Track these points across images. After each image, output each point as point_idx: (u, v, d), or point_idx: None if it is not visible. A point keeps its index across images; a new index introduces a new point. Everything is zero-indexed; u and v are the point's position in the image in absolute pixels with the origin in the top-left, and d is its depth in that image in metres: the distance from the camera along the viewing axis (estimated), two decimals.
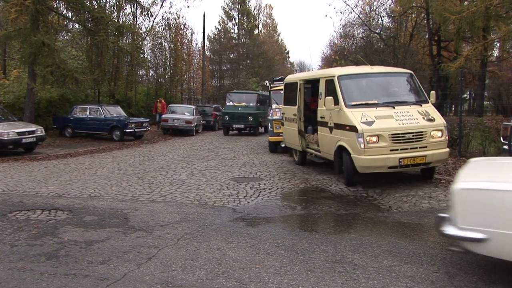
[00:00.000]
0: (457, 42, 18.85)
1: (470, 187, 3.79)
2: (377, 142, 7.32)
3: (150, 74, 30.64)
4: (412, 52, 24.64)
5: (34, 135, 13.37)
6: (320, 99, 8.92)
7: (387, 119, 7.50)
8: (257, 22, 48.73)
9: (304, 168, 10.32)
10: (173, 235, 5.21)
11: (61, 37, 22.57)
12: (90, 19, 17.66)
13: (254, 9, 48.28)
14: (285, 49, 60.10)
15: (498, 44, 21.89)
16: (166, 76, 30.96)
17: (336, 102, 8.01)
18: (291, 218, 6.30)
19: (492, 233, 3.49)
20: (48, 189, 8.20)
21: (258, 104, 20.16)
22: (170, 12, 42.33)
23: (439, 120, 7.83)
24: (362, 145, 7.30)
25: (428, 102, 8.21)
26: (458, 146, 10.52)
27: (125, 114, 18.92)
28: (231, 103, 20.10)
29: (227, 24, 46.75)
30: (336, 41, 38.38)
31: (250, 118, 19.50)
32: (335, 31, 66.24)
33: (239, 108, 19.70)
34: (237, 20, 46.57)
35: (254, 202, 7.07)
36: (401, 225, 5.67)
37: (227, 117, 19.88)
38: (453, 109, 28.70)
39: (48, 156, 12.81)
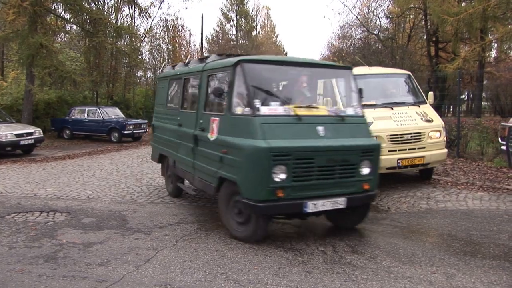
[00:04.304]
0: (455, 43, 18.90)
1: None
2: None
3: (148, 75, 30.65)
4: (410, 53, 24.73)
5: (32, 137, 13.34)
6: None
7: (385, 120, 7.52)
8: (255, 23, 48.81)
9: None
10: (172, 237, 5.20)
11: (59, 38, 22.59)
12: (88, 21, 17.67)
13: (252, 11, 48.41)
14: (283, 50, 60.05)
15: (495, 45, 21.99)
16: None
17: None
18: (289, 219, 6.28)
19: None
20: (46, 191, 8.19)
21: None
22: (168, 13, 42.35)
23: (437, 121, 7.84)
24: None
25: (426, 103, 8.23)
26: (456, 147, 10.54)
27: (123, 116, 18.89)
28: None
29: (225, 25, 46.83)
30: (334, 42, 38.43)
31: None
32: (333, 32, 66.49)
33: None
34: (235, 22, 46.63)
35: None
36: (400, 226, 5.67)
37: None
38: (451, 110, 28.79)
39: (46, 158, 12.79)
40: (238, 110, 4.90)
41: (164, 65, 32.26)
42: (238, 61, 4.94)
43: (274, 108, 4.80)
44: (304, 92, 5.64)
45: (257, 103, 4.70)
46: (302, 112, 4.88)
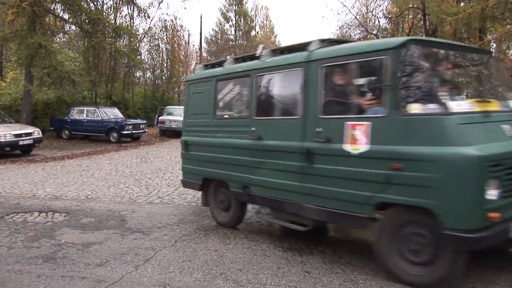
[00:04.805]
0: None
1: None
2: None
3: (147, 75, 30.68)
4: None
5: (31, 137, 13.34)
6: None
7: None
8: (254, 23, 48.84)
9: None
10: (171, 237, 5.20)
11: (58, 39, 22.57)
12: (87, 21, 17.69)
13: (251, 11, 48.44)
14: None
15: (494, 45, 22.02)
16: (163, 77, 30.99)
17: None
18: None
19: None
20: (45, 191, 8.19)
21: None
22: (167, 13, 42.44)
23: None
24: None
25: None
26: None
27: (122, 116, 18.91)
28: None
29: (224, 25, 46.82)
30: None
31: None
32: (332, 33, 66.36)
33: None
34: (234, 22, 46.64)
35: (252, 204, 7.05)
36: None
37: None
38: None
39: (45, 158, 12.78)
40: (414, 108, 3.60)
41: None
42: (406, 41, 3.67)
43: (460, 104, 3.69)
44: (475, 82, 4.67)
45: (444, 97, 3.54)
46: (483, 107, 3.77)
